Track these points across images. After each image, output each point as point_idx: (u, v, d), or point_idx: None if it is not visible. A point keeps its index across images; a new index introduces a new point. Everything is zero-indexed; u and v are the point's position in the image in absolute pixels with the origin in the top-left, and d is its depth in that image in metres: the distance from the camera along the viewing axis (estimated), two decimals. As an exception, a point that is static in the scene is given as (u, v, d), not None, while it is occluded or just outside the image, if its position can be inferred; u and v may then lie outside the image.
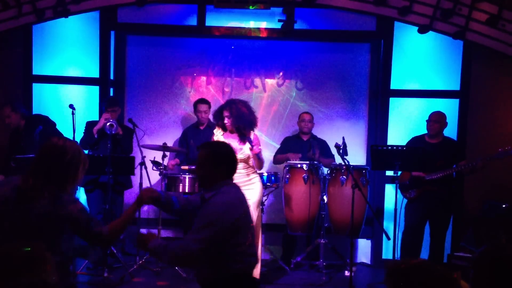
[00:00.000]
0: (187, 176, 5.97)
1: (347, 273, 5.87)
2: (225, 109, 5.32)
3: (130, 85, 7.02)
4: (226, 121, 5.31)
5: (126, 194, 6.47)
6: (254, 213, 5.19)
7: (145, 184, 5.81)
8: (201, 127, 6.55)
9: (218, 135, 5.39)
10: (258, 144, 5.34)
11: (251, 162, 5.33)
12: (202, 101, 6.52)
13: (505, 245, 2.37)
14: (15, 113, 6.23)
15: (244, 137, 5.30)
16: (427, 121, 5.98)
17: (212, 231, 3.05)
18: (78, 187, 5.75)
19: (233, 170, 3.37)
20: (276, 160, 6.46)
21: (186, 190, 6.01)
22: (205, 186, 3.30)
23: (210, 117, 6.59)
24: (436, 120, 5.91)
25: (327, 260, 6.01)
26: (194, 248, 3.03)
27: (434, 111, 6.03)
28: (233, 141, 5.27)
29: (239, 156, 5.24)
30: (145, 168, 5.88)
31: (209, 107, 6.51)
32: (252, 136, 5.31)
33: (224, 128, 5.38)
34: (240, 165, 5.27)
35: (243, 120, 5.28)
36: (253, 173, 5.35)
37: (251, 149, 5.26)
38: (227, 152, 3.35)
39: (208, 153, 3.30)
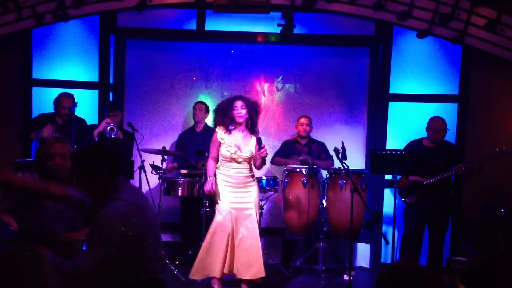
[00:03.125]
0: (186, 180, 5.97)
1: (346, 277, 5.87)
2: (238, 99, 5.21)
3: (129, 89, 7.02)
4: (239, 111, 5.16)
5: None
6: (256, 215, 5.20)
7: (144, 187, 5.80)
8: (197, 130, 6.57)
9: (220, 132, 5.24)
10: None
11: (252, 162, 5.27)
12: (200, 101, 6.64)
13: (502, 254, 2.37)
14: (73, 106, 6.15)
15: (254, 130, 5.24)
16: (430, 128, 5.94)
17: (108, 248, 2.64)
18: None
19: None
20: (275, 162, 6.44)
21: (185, 194, 6.02)
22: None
23: (207, 121, 6.62)
24: (444, 128, 5.93)
25: (326, 264, 6.00)
26: (88, 268, 2.63)
27: (436, 118, 5.98)
28: (236, 138, 5.21)
29: (243, 154, 5.22)
30: (144, 172, 5.88)
31: (207, 109, 6.54)
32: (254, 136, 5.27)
33: (229, 123, 5.22)
34: (242, 165, 5.24)
35: (256, 114, 5.26)
36: (252, 175, 5.31)
37: (258, 151, 5.14)
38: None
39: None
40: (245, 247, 5.12)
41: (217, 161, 5.35)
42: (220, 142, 5.23)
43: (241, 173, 5.21)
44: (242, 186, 5.21)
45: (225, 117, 5.23)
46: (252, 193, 5.23)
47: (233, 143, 5.19)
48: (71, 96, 6.21)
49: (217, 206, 5.26)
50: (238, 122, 5.23)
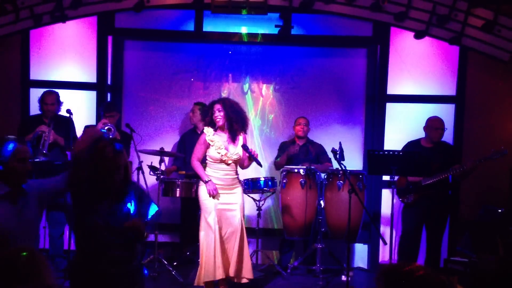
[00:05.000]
0: (183, 181, 5.97)
1: (344, 277, 5.87)
2: (217, 103, 5.22)
3: (127, 90, 7.02)
4: (217, 114, 5.16)
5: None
6: (240, 216, 5.16)
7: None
8: (198, 131, 6.57)
9: (210, 134, 5.22)
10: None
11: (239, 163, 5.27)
12: (197, 103, 6.59)
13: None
14: (57, 104, 6.12)
15: (235, 135, 5.19)
16: (428, 128, 5.95)
17: None
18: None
19: None
20: (278, 165, 6.41)
21: (183, 195, 6.02)
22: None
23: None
24: (442, 127, 5.94)
25: (324, 265, 6.01)
26: None
27: (433, 117, 6.00)
28: (223, 140, 5.20)
29: (232, 156, 5.20)
30: (142, 173, 5.89)
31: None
32: (241, 138, 5.24)
33: (213, 125, 5.24)
34: (231, 167, 5.22)
35: (236, 116, 5.18)
36: (238, 177, 5.29)
37: (249, 155, 5.16)
38: None
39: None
40: (233, 248, 5.09)
41: (201, 162, 5.32)
42: (209, 144, 5.21)
43: (229, 175, 5.20)
44: (229, 188, 5.20)
45: (208, 119, 5.28)
46: (238, 194, 5.22)
47: (222, 145, 5.18)
48: (54, 93, 6.19)
49: (204, 207, 5.19)
50: (218, 125, 5.23)
